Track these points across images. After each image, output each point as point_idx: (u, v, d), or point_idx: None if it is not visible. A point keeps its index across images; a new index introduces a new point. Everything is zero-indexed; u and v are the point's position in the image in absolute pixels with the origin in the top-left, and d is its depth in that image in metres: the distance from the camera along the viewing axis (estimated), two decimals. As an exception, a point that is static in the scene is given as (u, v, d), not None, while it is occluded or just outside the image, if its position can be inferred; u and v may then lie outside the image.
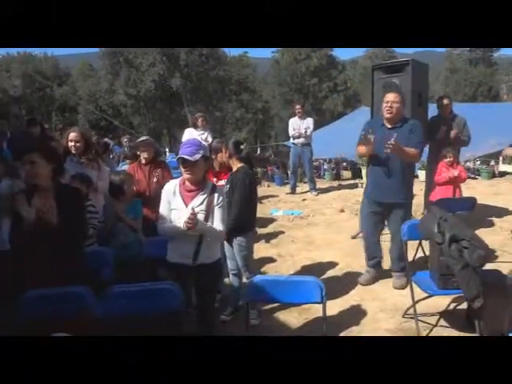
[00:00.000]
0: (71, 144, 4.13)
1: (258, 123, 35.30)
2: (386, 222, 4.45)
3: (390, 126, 4.16)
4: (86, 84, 29.92)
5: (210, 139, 7.07)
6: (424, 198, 6.29)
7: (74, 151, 4.13)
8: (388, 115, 4.13)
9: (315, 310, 3.70)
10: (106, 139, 9.15)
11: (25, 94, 29.19)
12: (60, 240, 2.76)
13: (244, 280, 3.97)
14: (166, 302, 2.66)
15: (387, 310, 3.85)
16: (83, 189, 3.63)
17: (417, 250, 4.21)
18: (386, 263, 4.55)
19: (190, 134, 7.26)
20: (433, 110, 5.99)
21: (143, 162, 4.40)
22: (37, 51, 30.94)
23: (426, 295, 3.31)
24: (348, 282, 4.51)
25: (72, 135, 4.14)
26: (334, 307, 3.83)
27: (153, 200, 4.06)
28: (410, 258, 4.07)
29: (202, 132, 7.28)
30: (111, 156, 7.41)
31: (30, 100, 29.86)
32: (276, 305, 3.95)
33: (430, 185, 5.82)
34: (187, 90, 27.15)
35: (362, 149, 4.22)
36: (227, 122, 31.86)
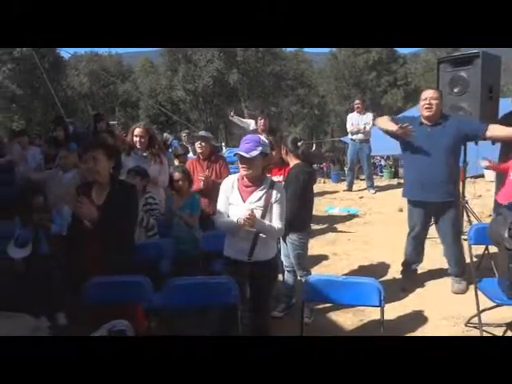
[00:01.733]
0: (136, 139, 4.28)
1: (314, 119, 34.89)
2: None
3: (430, 124, 3.95)
4: (147, 80, 30.91)
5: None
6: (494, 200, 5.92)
7: (138, 146, 4.29)
8: (428, 113, 3.91)
9: (370, 312, 3.60)
10: (165, 134, 9.37)
11: (91, 90, 30.67)
12: (114, 231, 2.88)
13: (298, 278, 3.94)
14: (221, 296, 2.69)
15: (449, 318, 3.66)
16: (138, 181, 3.74)
17: (483, 255, 3.98)
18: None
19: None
20: (505, 106, 5.60)
21: (201, 157, 4.47)
22: (102, 50, 32.36)
23: (492, 304, 3.11)
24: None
25: (137, 131, 4.30)
26: (391, 311, 3.68)
27: (210, 195, 4.13)
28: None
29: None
30: (170, 150, 7.58)
31: (95, 96, 31.32)
32: (329, 304, 3.88)
33: (500, 186, 5.46)
34: (244, 85, 27.35)
35: (392, 125, 3.98)
36: (283, 118, 31.75)
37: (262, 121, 5.66)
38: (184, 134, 8.55)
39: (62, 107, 12.20)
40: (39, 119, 25.54)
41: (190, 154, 6.49)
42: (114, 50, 31.95)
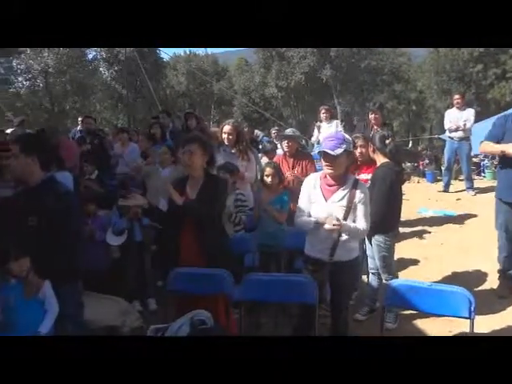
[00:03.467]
0: (225, 136, 4.42)
1: (411, 115, 33.23)
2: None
3: None
4: (241, 78, 31.72)
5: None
6: None
7: (226, 142, 4.42)
8: None
9: (460, 323, 3.35)
10: (256, 131, 9.52)
11: (188, 89, 32.21)
12: (205, 224, 3.00)
13: (383, 281, 3.80)
14: (300, 294, 2.68)
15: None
16: (228, 177, 3.85)
17: None
18: None
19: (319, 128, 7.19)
20: None
21: (287, 154, 4.49)
22: (199, 50, 33.78)
23: None
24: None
25: (226, 128, 4.44)
26: (484, 325, 3.41)
27: (295, 192, 4.13)
28: None
29: (329, 125, 7.10)
30: (260, 147, 7.67)
31: (192, 95, 32.85)
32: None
33: None
34: (337, 81, 26.87)
35: (497, 148, 3.73)
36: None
37: (373, 115, 5.50)
38: (274, 131, 8.61)
39: (161, 105, 12.97)
40: (141, 117, 27.42)
41: (279, 151, 6.53)
42: (210, 50, 33.17)
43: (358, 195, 2.76)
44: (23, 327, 2.43)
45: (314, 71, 26.32)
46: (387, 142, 3.57)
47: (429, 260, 5.02)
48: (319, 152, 2.84)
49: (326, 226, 2.69)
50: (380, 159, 3.60)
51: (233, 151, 4.45)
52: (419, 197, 7.95)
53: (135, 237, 4.06)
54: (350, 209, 2.76)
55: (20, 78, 26.77)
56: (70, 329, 2.77)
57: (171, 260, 3.16)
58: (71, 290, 2.73)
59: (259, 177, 4.44)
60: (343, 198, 2.76)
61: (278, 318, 3.67)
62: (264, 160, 5.58)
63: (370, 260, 3.84)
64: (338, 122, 7.96)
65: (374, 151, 3.64)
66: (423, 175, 10.64)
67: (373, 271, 3.87)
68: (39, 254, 2.48)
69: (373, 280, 3.90)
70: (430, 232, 5.97)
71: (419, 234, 5.88)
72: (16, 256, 2.39)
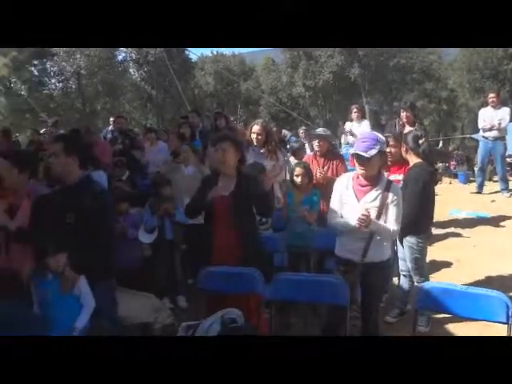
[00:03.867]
0: (254, 136, 4.44)
1: (442, 114, 32.47)
2: None
3: None
4: (268, 78, 31.68)
5: (368, 130, 6.74)
6: None
7: (255, 143, 4.43)
8: None
9: (499, 329, 3.25)
10: (283, 130, 9.52)
11: (216, 89, 32.40)
12: (240, 222, 3.02)
13: (415, 283, 3.74)
14: (331, 295, 2.67)
15: None
16: (259, 175, 3.86)
17: None
18: None
19: (348, 128, 7.09)
20: None
21: (318, 154, 4.46)
22: (226, 51, 33.91)
23: None
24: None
25: (255, 128, 4.46)
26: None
27: (327, 192, 4.11)
28: None
29: (360, 124, 7.00)
30: (288, 146, 7.67)
31: (219, 95, 33.03)
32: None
33: None
34: (365, 80, 26.51)
35: None
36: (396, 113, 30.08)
37: (405, 113, 5.42)
38: (301, 131, 8.61)
39: (189, 105, 13.12)
40: (170, 117, 27.77)
41: (307, 151, 6.51)
42: (237, 50, 33.30)
43: (391, 196, 2.73)
44: (59, 322, 2.50)
45: (342, 70, 26.05)
46: (420, 141, 3.51)
47: (461, 263, 4.91)
48: (352, 154, 2.81)
49: (356, 218, 2.66)
50: (413, 159, 3.55)
51: (262, 151, 4.47)
52: (451, 198, 7.77)
53: (166, 235, 4.12)
54: (382, 210, 2.73)
55: (53, 80, 27.52)
56: (104, 325, 2.84)
57: (202, 258, 3.19)
58: (106, 287, 2.80)
59: (288, 177, 4.45)
60: (376, 198, 2.73)
61: (307, 319, 3.66)
62: (292, 160, 5.58)
63: (401, 262, 3.79)
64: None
65: (406, 151, 3.58)
66: (454, 176, 10.40)
67: (404, 273, 3.81)
68: (76, 250, 2.55)
69: (404, 282, 3.85)
70: (462, 234, 5.84)
71: (451, 236, 5.76)
72: (53, 252, 2.46)
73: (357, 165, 2.75)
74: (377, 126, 10.51)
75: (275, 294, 2.77)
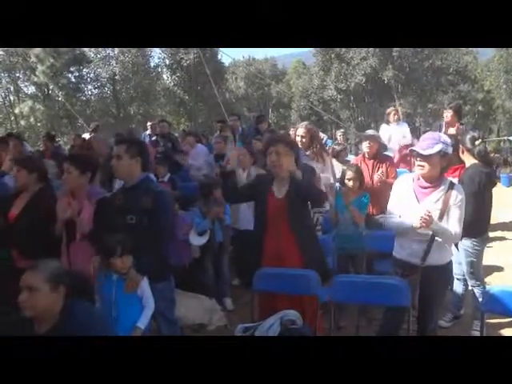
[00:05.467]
0: (298, 139, 4.43)
1: (478, 116, 31.64)
2: None
3: None
4: (299, 81, 31.67)
5: (407, 134, 6.58)
6: None
7: (300, 145, 4.42)
8: None
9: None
10: (320, 133, 9.46)
11: (247, 93, 32.61)
12: (295, 224, 3.01)
13: (469, 288, 3.64)
14: (392, 296, 2.63)
15: None
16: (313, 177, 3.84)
17: None
18: None
19: (386, 131, 6.89)
20: None
21: (366, 156, 4.41)
22: (258, 55, 34.12)
23: None
24: None
25: (299, 131, 4.45)
26: None
27: (375, 194, 4.05)
28: None
29: (398, 126, 6.81)
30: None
31: (250, 98, 33.21)
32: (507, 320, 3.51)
33: None
34: (399, 82, 26.11)
35: None
36: (441, 115, 29.47)
37: (449, 115, 5.30)
38: (340, 133, 8.54)
39: (222, 109, 13.24)
40: (201, 120, 28.10)
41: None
42: (269, 54, 33.42)
43: (454, 198, 2.66)
44: (122, 321, 2.54)
45: (375, 72, 25.74)
46: (477, 142, 3.43)
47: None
48: (410, 150, 2.78)
49: (417, 224, 2.61)
50: (470, 160, 3.46)
51: (307, 153, 4.45)
52: (496, 201, 7.51)
53: (216, 237, 4.15)
54: (444, 211, 2.67)
55: (89, 86, 28.32)
56: (162, 325, 2.88)
57: (253, 261, 3.19)
58: (165, 287, 2.84)
59: (336, 179, 4.42)
60: (438, 200, 2.67)
61: (359, 322, 3.61)
62: (335, 162, 5.52)
63: (455, 265, 3.69)
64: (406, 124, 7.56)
65: (463, 152, 3.50)
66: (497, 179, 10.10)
67: (458, 277, 3.72)
68: (137, 250, 2.60)
69: (458, 286, 3.75)
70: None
71: (502, 240, 5.59)
72: (121, 253, 2.51)
73: (416, 164, 2.71)
74: (411, 128, 10.32)
75: (334, 296, 2.75)
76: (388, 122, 6.92)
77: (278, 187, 3.10)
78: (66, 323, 1.96)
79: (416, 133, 8.62)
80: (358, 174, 3.85)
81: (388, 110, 7.13)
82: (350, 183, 3.82)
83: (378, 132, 6.82)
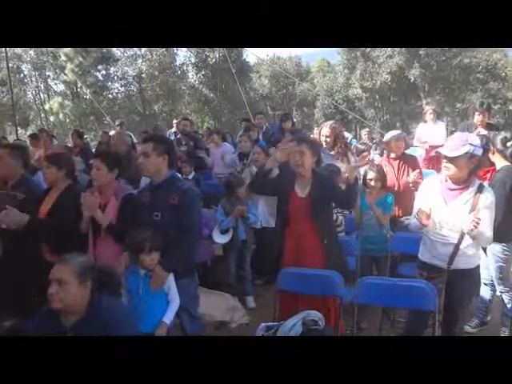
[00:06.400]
0: (322, 138, 4.41)
1: (508, 115, 30.79)
2: None
3: None
4: (323, 80, 31.42)
5: (443, 132, 6.44)
6: None
7: (325, 145, 4.40)
8: None
9: None
10: (344, 132, 9.39)
11: (271, 91, 32.52)
12: (317, 223, 3.00)
13: (497, 293, 3.56)
14: (418, 300, 2.59)
15: None
16: (335, 176, 3.81)
17: None
18: None
19: (422, 130, 6.76)
20: None
21: (392, 156, 4.36)
22: (282, 53, 33.94)
23: None
24: None
25: (324, 130, 4.43)
26: None
27: (401, 196, 4.00)
28: None
29: (435, 126, 6.66)
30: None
31: (274, 97, 33.12)
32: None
33: None
34: (425, 80, 25.62)
35: None
36: (469, 115, 28.75)
37: (480, 116, 5.18)
38: (365, 133, 8.47)
39: (246, 107, 13.29)
40: (225, 119, 28.19)
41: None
42: (293, 52, 33.20)
43: (483, 200, 2.60)
44: (149, 317, 2.58)
45: (401, 70, 25.33)
46: (509, 144, 3.34)
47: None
48: (436, 152, 2.74)
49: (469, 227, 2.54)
50: (501, 162, 3.37)
51: (331, 153, 4.42)
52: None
53: (239, 236, 4.17)
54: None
55: (116, 84, 28.82)
56: (185, 321, 2.91)
57: (275, 259, 3.20)
58: (189, 283, 2.87)
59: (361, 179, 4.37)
60: (466, 202, 2.62)
61: (382, 324, 3.58)
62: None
63: (483, 270, 3.61)
64: (443, 123, 7.37)
65: (493, 153, 3.42)
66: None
67: (485, 282, 3.63)
68: (163, 247, 2.63)
69: (485, 291, 3.66)
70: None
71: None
72: (149, 249, 2.54)
73: (443, 165, 2.66)
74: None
75: (358, 297, 2.72)
76: (425, 121, 6.78)
77: (301, 187, 3.10)
78: (92, 317, 2.01)
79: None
80: (380, 174, 3.81)
81: (425, 109, 6.99)
82: (372, 183, 3.78)
83: (403, 131, 6.75)
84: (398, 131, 4.48)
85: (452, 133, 6.02)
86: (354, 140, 9.60)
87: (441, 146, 3.07)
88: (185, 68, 29.52)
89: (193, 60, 28.74)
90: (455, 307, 2.83)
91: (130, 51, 27.82)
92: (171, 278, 2.64)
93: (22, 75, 28.06)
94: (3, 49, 15.98)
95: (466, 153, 2.55)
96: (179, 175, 4.19)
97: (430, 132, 6.51)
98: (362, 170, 3.87)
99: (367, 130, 8.70)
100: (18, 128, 17.75)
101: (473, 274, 2.79)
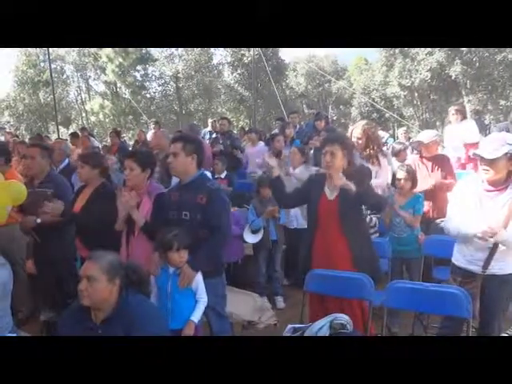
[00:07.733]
0: (354, 140, 4.31)
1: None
2: None
3: None
4: (360, 78, 30.89)
5: (473, 129, 6.12)
6: None
7: (356, 146, 4.31)
8: None
9: None
10: (380, 131, 9.21)
11: (307, 89, 32.34)
12: (347, 226, 2.95)
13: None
14: (451, 306, 2.51)
15: None
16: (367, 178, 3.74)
17: None
18: None
19: (449, 131, 6.45)
20: None
21: (424, 155, 4.23)
22: (319, 51, 33.64)
23: None
24: None
25: (355, 132, 4.33)
26: None
27: (435, 197, 3.89)
28: None
29: (460, 126, 6.32)
30: (385, 148, 7.38)
31: (310, 95, 32.91)
32: None
33: None
34: (467, 77, 24.69)
35: None
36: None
37: None
38: (402, 132, 8.29)
39: (282, 107, 13.26)
40: (260, 118, 28.24)
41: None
42: (330, 50, 32.88)
43: None
44: (177, 315, 2.61)
45: (441, 67, 24.54)
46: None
47: None
48: (474, 154, 2.63)
49: (479, 235, 2.47)
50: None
51: (364, 154, 4.32)
52: None
53: (270, 236, 4.16)
54: (509, 217, 2.50)
55: (154, 84, 29.43)
56: (212, 320, 2.93)
57: (303, 261, 3.16)
58: (217, 283, 2.89)
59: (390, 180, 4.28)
60: (504, 205, 2.51)
61: (414, 328, 3.49)
62: (394, 162, 5.33)
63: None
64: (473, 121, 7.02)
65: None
66: None
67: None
68: (192, 246, 2.65)
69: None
70: None
71: None
72: (178, 247, 2.57)
73: (481, 167, 2.57)
74: (480, 126, 9.74)
75: (388, 301, 2.67)
76: (450, 122, 6.51)
77: (331, 189, 3.05)
78: (120, 314, 2.06)
79: (485, 131, 8.13)
80: (410, 174, 3.71)
81: (449, 110, 6.73)
82: (401, 183, 3.69)
83: (442, 131, 6.50)
84: (433, 131, 4.35)
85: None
86: (391, 139, 9.41)
87: (476, 143, 2.95)
88: (221, 67, 29.79)
89: (229, 59, 28.93)
90: (490, 313, 2.74)
91: (168, 51, 28.33)
92: (199, 277, 2.66)
93: (64, 76, 29.11)
94: (46, 50, 16.62)
95: (506, 153, 2.45)
96: (209, 174, 4.22)
97: (456, 132, 6.16)
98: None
99: (404, 129, 8.50)
100: (60, 127, 18.44)
101: (509, 280, 2.67)
